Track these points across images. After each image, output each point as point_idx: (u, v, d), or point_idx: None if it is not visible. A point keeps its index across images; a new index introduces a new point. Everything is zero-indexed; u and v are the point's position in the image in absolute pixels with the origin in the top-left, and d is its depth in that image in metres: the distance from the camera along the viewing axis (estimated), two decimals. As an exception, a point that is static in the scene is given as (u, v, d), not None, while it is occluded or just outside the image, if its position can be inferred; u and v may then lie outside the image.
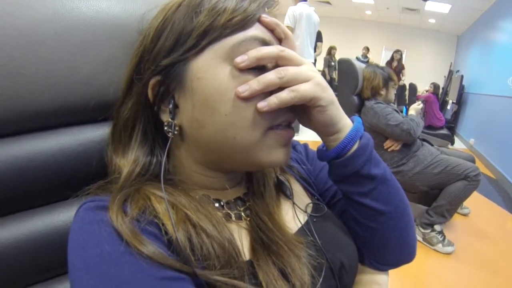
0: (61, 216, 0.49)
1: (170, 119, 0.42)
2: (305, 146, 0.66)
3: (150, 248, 0.33)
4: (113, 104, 0.45)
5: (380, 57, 9.68)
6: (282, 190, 0.52)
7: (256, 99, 0.39)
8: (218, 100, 0.39)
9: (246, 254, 0.41)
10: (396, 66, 6.95)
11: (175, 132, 0.42)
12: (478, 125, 5.46)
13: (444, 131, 4.87)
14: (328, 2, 8.48)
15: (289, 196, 0.52)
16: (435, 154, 2.14)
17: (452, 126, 5.75)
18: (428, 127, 4.85)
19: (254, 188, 0.49)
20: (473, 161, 2.30)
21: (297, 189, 0.56)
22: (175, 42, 0.39)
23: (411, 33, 9.57)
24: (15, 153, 0.43)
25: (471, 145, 5.40)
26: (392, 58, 7.13)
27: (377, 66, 2.27)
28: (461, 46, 8.81)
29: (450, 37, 9.27)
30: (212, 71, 0.39)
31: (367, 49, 7.71)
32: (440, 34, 9.34)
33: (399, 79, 6.43)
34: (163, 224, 0.36)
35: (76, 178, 0.47)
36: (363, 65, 2.30)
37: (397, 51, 7.12)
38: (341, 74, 2.31)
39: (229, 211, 0.46)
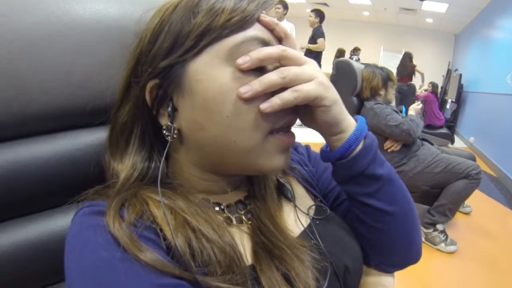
0: (58, 222, 0.48)
1: (169, 123, 0.41)
2: (307, 147, 0.65)
3: (148, 254, 0.32)
4: (110, 107, 0.45)
5: (379, 58, 9.69)
6: (283, 193, 0.51)
7: (258, 100, 0.38)
8: (219, 102, 0.38)
9: (248, 258, 0.40)
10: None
11: (174, 136, 0.41)
12: (477, 124, 5.46)
13: (444, 130, 4.87)
14: (325, 4, 8.49)
15: (291, 199, 0.51)
16: (435, 154, 2.14)
17: (451, 125, 5.75)
18: (428, 126, 4.85)
19: (255, 191, 0.48)
20: (474, 160, 2.30)
21: (300, 191, 0.55)
22: (172, 43, 0.39)
23: (409, 33, 9.59)
24: (11, 158, 0.42)
25: (471, 144, 5.40)
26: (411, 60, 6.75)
27: (375, 66, 2.27)
28: (459, 45, 8.83)
29: (447, 36, 9.29)
30: (212, 73, 0.38)
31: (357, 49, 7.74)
32: (437, 34, 9.35)
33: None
34: (161, 230, 0.35)
35: (73, 183, 0.46)
36: (362, 66, 2.30)
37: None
38: (340, 75, 2.30)
39: (229, 215, 0.45)
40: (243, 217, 0.45)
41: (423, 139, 2.32)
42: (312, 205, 0.53)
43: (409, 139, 2.07)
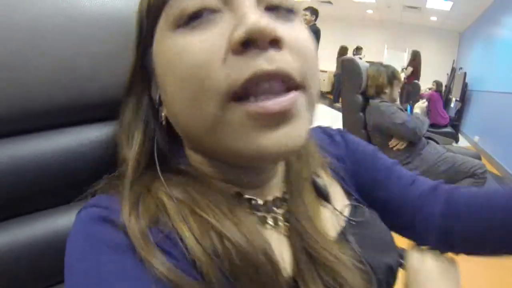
0: (62, 221, 0.46)
1: (163, 114, 0.38)
2: (342, 133, 0.55)
3: (166, 265, 0.28)
4: (117, 102, 0.43)
5: (383, 57, 9.65)
6: (319, 191, 0.44)
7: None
8: (168, 74, 0.33)
9: (287, 269, 0.34)
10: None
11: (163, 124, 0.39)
12: (482, 123, 5.43)
13: (448, 129, 4.84)
14: (329, 2, 8.47)
15: (327, 198, 0.44)
16: (440, 152, 2.12)
17: (456, 124, 5.71)
18: (432, 125, 4.81)
19: (292, 187, 0.42)
20: (479, 159, 2.28)
21: (335, 189, 0.48)
22: (141, 28, 0.37)
23: (413, 31, 9.53)
24: (14, 154, 0.41)
25: (475, 143, 5.37)
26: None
27: (381, 64, 2.26)
28: (463, 43, 8.78)
29: (452, 35, 9.24)
30: (162, 47, 0.34)
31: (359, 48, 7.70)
32: (442, 32, 9.30)
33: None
34: (181, 239, 0.30)
35: (78, 180, 0.44)
36: (367, 64, 2.29)
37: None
38: (345, 74, 2.30)
39: (265, 214, 0.38)
40: (280, 217, 0.39)
41: (429, 138, 2.31)
42: (348, 204, 0.47)
43: (415, 138, 2.06)
